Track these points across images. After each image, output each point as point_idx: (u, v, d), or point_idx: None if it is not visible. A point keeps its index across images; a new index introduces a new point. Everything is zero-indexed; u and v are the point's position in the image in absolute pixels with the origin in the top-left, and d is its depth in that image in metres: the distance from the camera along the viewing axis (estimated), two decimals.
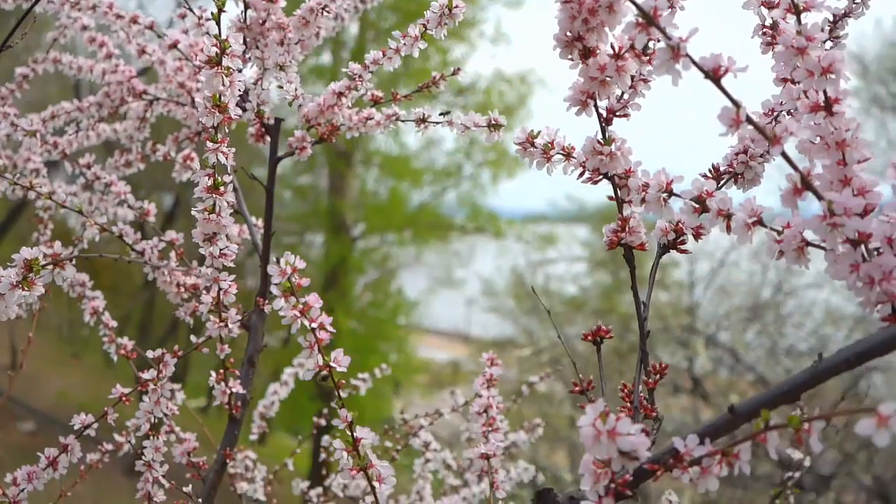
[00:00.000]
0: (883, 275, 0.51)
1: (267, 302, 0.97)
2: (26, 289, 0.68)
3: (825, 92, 0.54)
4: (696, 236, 0.68)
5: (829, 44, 0.75)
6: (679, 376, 6.14)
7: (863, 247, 0.53)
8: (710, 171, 0.70)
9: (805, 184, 0.52)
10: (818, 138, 0.55)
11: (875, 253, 0.53)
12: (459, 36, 11.42)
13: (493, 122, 0.85)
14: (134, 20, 1.11)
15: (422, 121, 0.97)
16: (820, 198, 0.52)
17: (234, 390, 0.98)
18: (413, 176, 12.27)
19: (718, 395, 6.68)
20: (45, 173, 1.30)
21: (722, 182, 0.70)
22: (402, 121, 0.99)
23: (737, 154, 0.69)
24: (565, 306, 9.93)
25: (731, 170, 0.69)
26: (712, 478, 0.52)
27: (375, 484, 0.65)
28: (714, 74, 0.51)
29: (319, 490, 1.32)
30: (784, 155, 0.52)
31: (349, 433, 0.66)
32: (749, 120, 0.51)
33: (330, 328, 0.64)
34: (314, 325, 0.63)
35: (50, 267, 0.66)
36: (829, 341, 6.82)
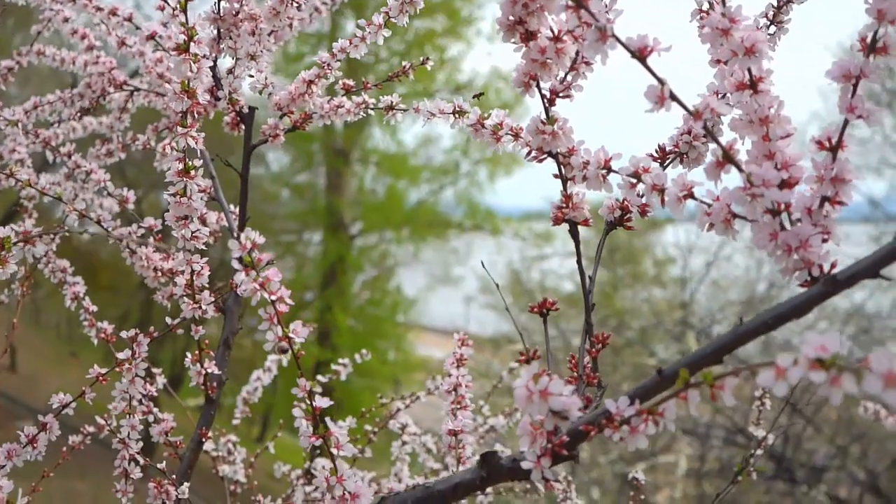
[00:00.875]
0: (800, 242, 0.54)
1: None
2: (0, 266, 0.71)
3: (749, 71, 0.57)
4: (643, 213, 0.71)
5: (772, 28, 0.78)
6: None
7: (786, 216, 0.56)
8: (656, 150, 0.73)
9: (727, 157, 0.55)
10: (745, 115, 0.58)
11: (797, 223, 0.56)
12: (456, 34, 11.45)
13: (457, 109, 0.88)
14: (113, 12, 1.14)
15: (389, 108, 1.00)
16: (741, 170, 0.55)
17: (209, 371, 1.01)
18: (410, 174, 12.30)
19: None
20: (30, 163, 1.33)
21: (668, 161, 0.73)
22: (372, 108, 1.02)
23: (681, 134, 0.72)
24: (562, 303, 9.93)
25: (676, 149, 0.72)
26: (641, 436, 0.55)
27: (334, 450, 0.68)
28: (640, 54, 0.54)
29: (299, 472, 1.35)
30: (707, 129, 0.55)
31: (308, 402, 0.69)
32: (673, 97, 0.54)
33: (289, 301, 0.67)
34: (274, 297, 0.66)
35: (21, 244, 0.69)
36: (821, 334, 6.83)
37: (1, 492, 0.69)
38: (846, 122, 0.56)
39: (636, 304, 8.03)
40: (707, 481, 6.02)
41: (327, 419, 0.68)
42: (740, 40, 0.56)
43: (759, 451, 1.16)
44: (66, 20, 1.25)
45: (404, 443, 1.32)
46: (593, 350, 0.66)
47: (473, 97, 0.89)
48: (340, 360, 1.45)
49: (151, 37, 1.11)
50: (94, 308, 1.14)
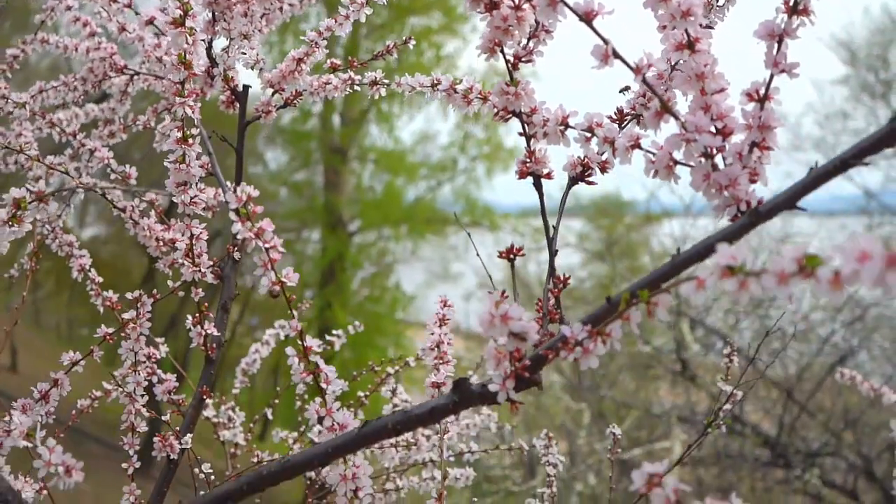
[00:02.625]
0: (729, 182, 0.61)
1: (237, 249, 1.07)
2: (15, 224, 0.78)
3: (687, 32, 0.64)
4: (602, 170, 0.78)
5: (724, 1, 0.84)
6: (669, 360, 6.26)
7: (720, 160, 0.63)
8: (614, 112, 0.80)
9: (664, 107, 0.62)
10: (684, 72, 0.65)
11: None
12: (452, 31, 11.52)
13: (435, 82, 0.94)
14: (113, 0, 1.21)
15: (374, 83, 1.07)
16: (677, 119, 0.62)
17: (209, 332, 1.08)
18: (408, 171, 12.36)
19: (711, 380, 6.80)
20: (36, 147, 1.40)
21: (626, 122, 0.80)
22: (359, 84, 1.09)
23: (637, 98, 0.79)
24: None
25: (633, 112, 0.79)
26: (593, 356, 0.62)
27: (323, 385, 0.75)
28: (587, 17, 0.61)
29: (295, 434, 1.42)
30: (646, 83, 0.62)
31: (300, 342, 0.76)
32: (615, 54, 0.61)
33: (281, 249, 0.74)
34: (267, 245, 0.73)
35: (35, 203, 0.76)
36: (816, 324, 6.94)
37: (20, 435, 0.75)
38: (772, 76, 0.63)
39: None
40: (702, 468, 6.10)
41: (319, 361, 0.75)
42: (677, 4, 0.63)
43: (727, 406, 1.23)
44: (68, 8, 1.32)
45: (395, 406, 1.39)
46: (556, 290, 0.73)
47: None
48: (334, 332, 1.52)
49: (150, 21, 1.18)
50: (100, 279, 1.21)
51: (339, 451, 0.69)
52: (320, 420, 0.75)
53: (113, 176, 1.18)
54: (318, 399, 0.76)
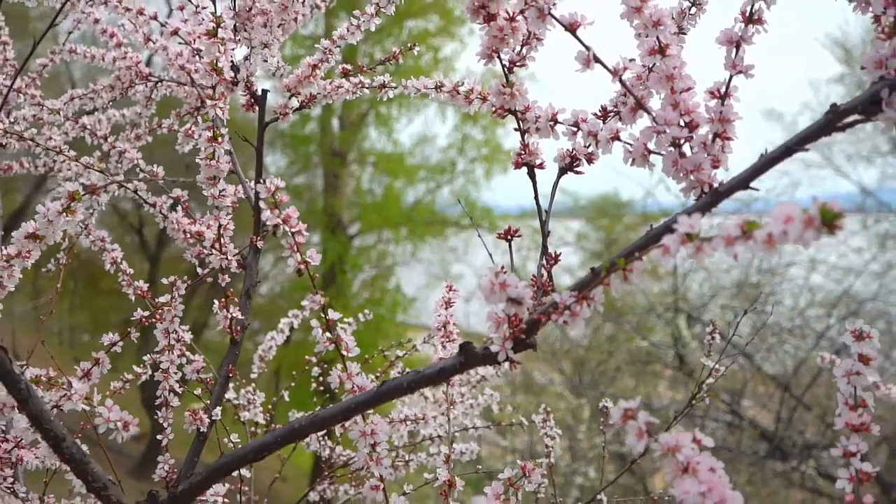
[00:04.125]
0: (694, 167, 0.71)
1: (261, 239, 1.17)
2: (69, 215, 0.88)
3: (658, 39, 0.74)
4: (589, 161, 0.88)
5: (693, 9, 0.95)
6: (666, 355, 6.36)
7: (688, 148, 0.74)
8: (599, 110, 0.90)
9: (638, 104, 0.72)
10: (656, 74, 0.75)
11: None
12: (450, 34, 11.64)
13: (438, 84, 1.05)
14: (140, 12, 1.31)
15: (382, 86, 1.17)
16: (650, 114, 0.72)
17: (234, 316, 1.18)
18: (407, 173, 12.46)
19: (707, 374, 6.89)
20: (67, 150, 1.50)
21: (609, 118, 0.90)
22: (367, 87, 1.19)
23: (618, 97, 0.89)
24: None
25: (615, 109, 0.89)
26: (580, 319, 0.72)
27: (344, 352, 0.85)
28: (571, 28, 0.71)
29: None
30: (623, 84, 0.72)
31: (323, 315, 0.86)
32: (596, 59, 0.71)
33: (305, 233, 0.84)
34: (294, 230, 0.83)
35: (88, 195, 0.86)
36: (812, 319, 7.05)
37: (81, 390, 0.85)
38: (731, 77, 0.73)
39: (634, 298, 8.21)
40: None
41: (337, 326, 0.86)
42: (649, 16, 0.73)
43: (710, 380, 1.33)
44: (96, 21, 1.42)
45: None
46: (548, 266, 0.83)
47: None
48: (347, 319, 1.62)
49: (175, 32, 1.28)
50: (130, 270, 1.31)
51: (361, 407, 0.79)
52: (341, 382, 0.85)
53: (141, 175, 1.28)
54: (339, 365, 0.86)
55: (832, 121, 0.65)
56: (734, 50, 0.72)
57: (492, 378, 1.67)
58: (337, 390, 0.87)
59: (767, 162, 0.66)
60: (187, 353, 1.23)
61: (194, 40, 1.27)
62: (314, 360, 1.60)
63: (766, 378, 6.82)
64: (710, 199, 0.68)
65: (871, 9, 0.68)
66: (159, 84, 1.41)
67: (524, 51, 0.82)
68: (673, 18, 0.87)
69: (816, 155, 9.19)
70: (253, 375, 1.63)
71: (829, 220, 0.48)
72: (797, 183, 8.85)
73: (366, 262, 12.16)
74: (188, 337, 1.37)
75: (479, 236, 1.10)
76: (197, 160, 1.01)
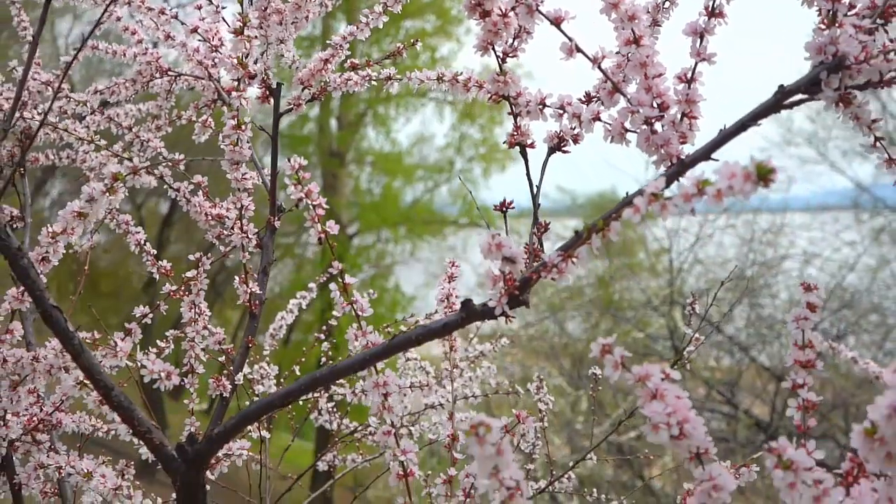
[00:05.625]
0: (664, 142, 0.82)
1: (277, 219, 1.27)
2: (112, 195, 0.99)
3: (633, 31, 0.85)
4: (575, 141, 0.98)
5: (668, 3, 1.05)
6: (662, 347, 6.48)
7: (659, 126, 0.84)
8: (584, 95, 1.01)
9: (615, 87, 0.83)
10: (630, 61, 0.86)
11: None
12: (447, 33, 11.75)
13: (440, 75, 1.15)
14: (161, 11, 1.42)
15: (388, 79, 1.28)
16: (625, 96, 0.83)
17: (253, 291, 1.29)
18: (405, 173, 12.57)
19: (705, 367, 7.03)
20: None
21: (592, 102, 1.00)
22: (374, 80, 1.30)
23: (600, 82, 1.00)
24: (558, 293, 10.23)
25: (597, 94, 1.00)
26: (567, 275, 0.82)
27: (360, 312, 0.96)
28: (556, 21, 0.82)
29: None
30: (601, 70, 0.83)
31: (341, 280, 0.96)
32: (578, 49, 0.82)
33: (325, 206, 0.94)
34: (314, 203, 0.94)
35: (131, 175, 0.97)
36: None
37: (123, 349, 0.96)
38: (696, 64, 0.84)
39: (632, 294, 8.33)
40: None
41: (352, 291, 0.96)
42: (625, 11, 0.84)
43: (690, 347, 1.43)
44: (118, 19, 1.53)
45: (408, 359, 1.60)
46: (538, 233, 0.94)
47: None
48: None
49: (194, 30, 1.39)
50: (153, 251, 1.41)
51: (375, 358, 0.90)
52: (356, 339, 0.96)
53: (164, 163, 1.39)
54: (354, 325, 0.97)
55: (780, 99, 0.76)
56: (699, 40, 0.83)
57: (489, 354, 1.78)
58: (353, 349, 0.97)
59: (725, 136, 0.77)
60: (209, 326, 1.34)
61: (212, 37, 1.38)
62: (322, 336, 1.70)
63: (762, 370, 6.94)
64: (676, 168, 0.79)
65: (815, 3, 0.78)
66: (178, 78, 1.51)
67: (516, 43, 0.93)
68: (648, 12, 0.98)
69: (812, 151, 9.31)
70: (266, 352, 1.74)
71: (763, 175, 0.59)
72: (793, 179, 8.97)
73: (365, 262, 12.26)
74: (207, 313, 1.47)
75: (487, 225, 1.20)
76: (221, 145, 1.11)
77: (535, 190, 0.97)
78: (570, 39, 0.82)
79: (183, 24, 1.41)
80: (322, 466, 1.73)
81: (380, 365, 0.93)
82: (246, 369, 1.64)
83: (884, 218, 8.85)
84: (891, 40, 0.77)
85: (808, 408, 0.78)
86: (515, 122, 0.95)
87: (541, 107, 0.92)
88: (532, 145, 0.96)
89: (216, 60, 1.37)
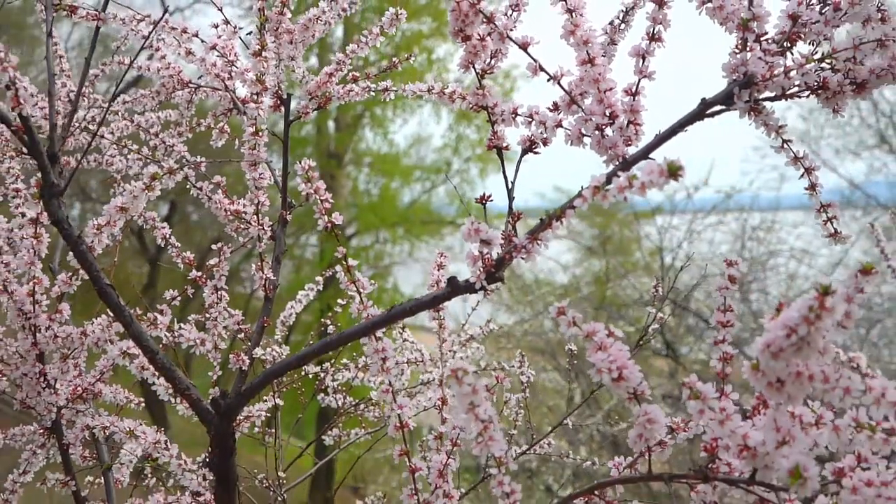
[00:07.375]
0: (612, 144, 1.00)
1: (288, 214, 1.45)
2: (149, 191, 1.16)
3: (587, 52, 1.03)
4: (544, 143, 1.16)
5: (623, 25, 1.23)
6: (654, 340, 6.66)
7: (609, 131, 1.02)
8: (552, 104, 1.18)
9: (572, 100, 1.01)
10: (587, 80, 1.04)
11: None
12: (443, 35, 11.92)
13: (430, 88, 1.33)
14: (184, 30, 1.59)
15: (386, 90, 1.46)
16: (580, 107, 1.01)
17: (268, 277, 1.46)
18: (403, 174, 12.73)
19: (696, 361, 7.21)
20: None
21: (557, 111, 1.18)
22: (374, 91, 1.48)
23: (563, 96, 1.17)
24: (556, 294, 10.38)
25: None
26: (534, 254, 1.00)
27: (361, 290, 1.14)
28: (523, 46, 1.00)
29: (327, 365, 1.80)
30: (560, 86, 1.01)
31: (345, 262, 1.14)
32: (541, 68, 1.00)
33: (331, 200, 1.12)
34: (322, 197, 1.12)
35: (167, 175, 1.14)
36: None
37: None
38: (639, 80, 1.01)
39: (626, 292, 8.51)
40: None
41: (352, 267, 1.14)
42: (581, 36, 1.02)
43: (654, 325, 1.61)
44: (144, 38, 1.70)
45: (405, 340, 1.78)
46: (513, 220, 1.12)
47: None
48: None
49: (213, 47, 1.56)
50: (178, 244, 1.59)
51: (375, 326, 1.07)
52: (358, 309, 1.13)
53: (188, 165, 1.56)
54: (357, 299, 1.15)
55: (703, 109, 0.94)
56: (641, 60, 1.01)
57: (479, 336, 1.95)
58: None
59: (658, 141, 0.95)
60: (228, 309, 1.51)
61: (228, 53, 1.55)
62: (328, 322, 1.87)
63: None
64: (621, 166, 0.97)
65: (731, 31, 0.96)
66: (198, 90, 1.69)
67: (492, 62, 1.11)
68: (607, 33, 1.16)
69: (804, 149, 9.48)
70: (276, 338, 1.91)
71: (673, 171, 0.76)
72: (785, 177, 9.15)
73: (363, 263, 12.42)
74: (226, 299, 1.64)
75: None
76: (238, 150, 1.29)
77: (510, 185, 1.15)
78: (534, 61, 1.00)
79: (203, 42, 1.59)
80: (328, 441, 1.91)
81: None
82: (258, 351, 1.81)
83: (876, 216, 9.03)
84: (804, 57, 0.95)
85: (726, 359, 0.96)
86: (493, 128, 1.13)
87: (513, 115, 1.09)
88: (507, 148, 1.13)
89: (232, 73, 1.54)
